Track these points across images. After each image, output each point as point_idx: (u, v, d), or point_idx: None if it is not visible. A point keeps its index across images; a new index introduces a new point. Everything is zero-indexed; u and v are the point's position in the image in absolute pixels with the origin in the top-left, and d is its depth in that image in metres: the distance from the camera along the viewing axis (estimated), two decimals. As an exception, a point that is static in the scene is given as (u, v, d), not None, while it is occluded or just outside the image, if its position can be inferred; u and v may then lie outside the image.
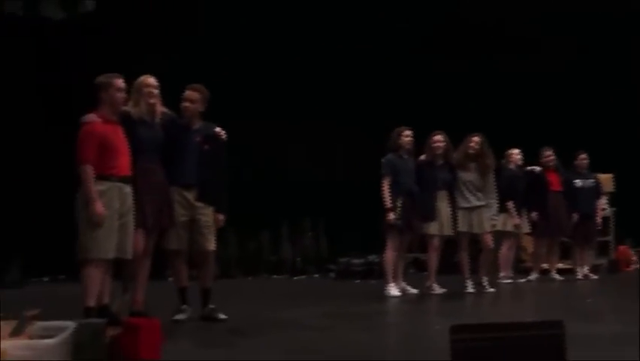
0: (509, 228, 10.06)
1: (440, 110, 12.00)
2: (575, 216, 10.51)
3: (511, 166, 10.14)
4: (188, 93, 6.06)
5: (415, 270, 11.53)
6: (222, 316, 5.93)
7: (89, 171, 5.15)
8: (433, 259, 8.56)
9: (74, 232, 5.24)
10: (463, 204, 8.54)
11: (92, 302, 5.11)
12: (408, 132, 8.30)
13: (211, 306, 6.00)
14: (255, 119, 12.10)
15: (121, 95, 5.40)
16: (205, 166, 5.90)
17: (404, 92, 12.97)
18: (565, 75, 13.33)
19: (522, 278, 10.31)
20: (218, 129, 5.99)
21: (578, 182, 10.71)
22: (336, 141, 12.92)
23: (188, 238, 5.96)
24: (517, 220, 10.05)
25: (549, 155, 10.48)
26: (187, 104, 6.04)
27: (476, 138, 8.64)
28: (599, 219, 10.89)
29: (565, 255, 11.17)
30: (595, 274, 10.77)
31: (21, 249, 10.72)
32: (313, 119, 12.64)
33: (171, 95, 6.04)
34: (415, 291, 8.41)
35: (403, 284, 8.46)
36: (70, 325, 3.22)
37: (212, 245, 6.02)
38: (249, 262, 12.92)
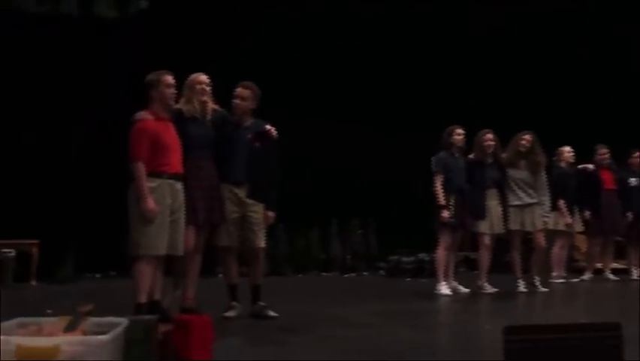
0: (561, 227, 9.95)
1: (488, 108, 11.87)
2: (630, 216, 10.33)
3: (562, 164, 9.99)
4: (239, 90, 6.07)
5: (465, 269, 11.41)
6: (272, 313, 5.93)
7: (141, 168, 5.18)
8: (484, 257, 8.50)
9: (126, 229, 5.28)
10: (515, 201, 8.47)
11: (143, 298, 5.14)
12: (460, 131, 8.30)
13: (261, 303, 6.00)
14: (308, 118, 12.11)
15: (170, 92, 5.42)
16: (256, 163, 5.91)
17: (452, 90, 12.85)
18: (620, 72, 13.07)
19: (575, 278, 10.18)
20: (268, 127, 5.99)
21: (633, 180, 10.51)
22: (386, 140, 12.86)
23: (239, 235, 5.97)
24: (568, 219, 9.90)
25: (604, 153, 10.31)
26: (238, 101, 6.05)
27: (527, 136, 8.58)
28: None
29: (619, 255, 10.97)
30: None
31: (74, 245, 10.89)
32: (363, 117, 12.62)
33: (221, 93, 6.06)
34: (466, 290, 8.34)
35: (454, 283, 8.40)
36: (123, 321, 3.23)
37: (262, 242, 6.03)
38: (298, 260, 12.94)
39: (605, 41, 12.81)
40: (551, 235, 10.00)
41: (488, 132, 8.45)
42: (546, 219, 8.71)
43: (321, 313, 6.33)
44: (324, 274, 12.76)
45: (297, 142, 12.23)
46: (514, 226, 8.46)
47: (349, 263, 13.09)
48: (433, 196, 8.14)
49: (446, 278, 8.26)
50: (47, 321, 3.17)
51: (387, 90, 12.95)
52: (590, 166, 10.22)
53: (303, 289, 9.90)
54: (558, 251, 10.10)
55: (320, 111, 12.44)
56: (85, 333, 3.07)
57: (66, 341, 2.79)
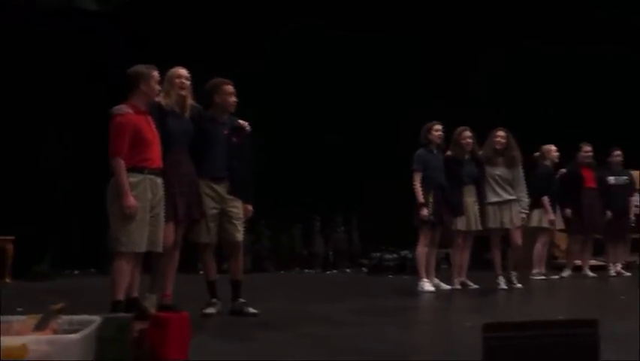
0: (544, 224, 9.97)
1: (469, 106, 11.85)
2: (609, 214, 10.37)
3: (547, 163, 10.00)
4: (232, 88, 5.95)
5: (447, 265, 11.38)
6: (252, 310, 5.85)
7: (122, 163, 5.06)
8: (456, 255, 8.49)
9: (106, 225, 5.18)
10: (494, 198, 8.44)
11: (120, 296, 5.04)
12: (438, 127, 8.25)
13: (241, 300, 5.92)
14: (291, 115, 12.05)
15: (158, 88, 5.33)
16: (234, 159, 5.85)
17: (434, 87, 12.81)
18: (600, 71, 13.10)
19: (555, 275, 10.17)
20: (241, 121, 5.93)
21: (612, 179, 10.59)
22: (368, 137, 12.82)
23: (218, 230, 5.88)
24: (551, 215, 9.90)
25: (588, 150, 10.36)
26: (234, 98, 5.94)
27: (501, 133, 8.54)
28: (632, 216, 10.72)
29: (598, 252, 10.99)
30: (628, 271, 10.59)
31: (52, 241, 10.73)
32: (348, 114, 12.57)
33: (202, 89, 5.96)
34: (448, 287, 8.30)
35: (436, 280, 8.35)
36: (96, 319, 3.13)
37: (241, 236, 5.94)
38: (281, 256, 12.86)
39: (587, 39, 12.82)
40: (533, 232, 9.99)
41: (466, 130, 8.43)
42: (524, 216, 8.67)
43: (302, 311, 6.26)
44: (307, 270, 12.70)
45: (281, 139, 12.25)
46: (493, 224, 8.43)
47: (332, 260, 13.04)
48: (412, 193, 8.08)
49: (428, 275, 8.21)
50: (17, 320, 3.06)
51: (369, 87, 12.89)
52: (563, 171, 10.26)
53: (284, 285, 9.82)
54: (540, 248, 10.10)
55: (305, 108, 12.39)
56: (55, 332, 2.97)
57: (34, 341, 2.69)
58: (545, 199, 9.79)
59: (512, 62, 13.12)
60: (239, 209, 5.91)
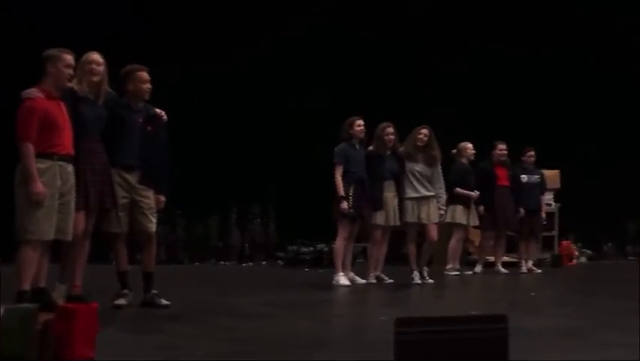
0: (459, 220, 10.08)
1: (389, 101, 11.98)
2: (522, 211, 10.59)
3: (463, 160, 10.18)
4: (146, 75, 5.81)
5: (364, 260, 11.46)
6: (164, 302, 5.75)
7: (30, 148, 4.91)
8: (373, 249, 8.55)
9: (12, 212, 5.00)
10: (412, 194, 8.50)
11: (26, 285, 4.88)
12: (360, 122, 8.30)
13: (153, 291, 5.81)
14: (208, 105, 11.92)
15: (68, 72, 5.16)
16: (148, 148, 5.71)
17: (357, 80, 12.91)
18: (514, 72, 13.43)
19: (468, 270, 10.33)
20: (159, 110, 5.81)
21: (525, 177, 10.79)
22: (287, 128, 12.80)
23: (129, 220, 5.76)
24: (473, 194, 10.01)
25: (502, 149, 10.55)
26: (149, 85, 5.80)
27: (424, 130, 8.61)
28: (543, 215, 10.98)
29: (510, 248, 11.23)
30: (539, 267, 10.84)
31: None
32: (266, 104, 12.52)
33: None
34: (363, 281, 8.34)
35: (352, 274, 8.39)
36: (-2, 310, 3.01)
37: (154, 227, 5.83)
38: (196, 248, 12.73)
39: (513, 40, 13.14)
40: (448, 228, 10.14)
41: (388, 126, 8.49)
42: (441, 212, 8.77)
43: (215, 303, 6.20)
44: (222, 262, 12.60)
45: (199, 127, 12.13)
46: (410, 218, 8.49)
47: (248, 252, 12.98)
48: (333, 187, 8.09)
49: (344, 269, 8.24)
50: None
51: (292, 77, 12.88)
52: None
53: (199, 277, 9.72)
54: (454, 244, 10.21)
55: (222, 99, 12.28)
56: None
57: None
58: (458, 190, 9.94)
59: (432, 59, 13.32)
60: (150, 199, 5.78)
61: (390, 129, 8.47)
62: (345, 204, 8.01)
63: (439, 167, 8.70)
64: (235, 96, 12.44)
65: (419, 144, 8.57)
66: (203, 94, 12.23)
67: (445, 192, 8.81)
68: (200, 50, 12.30)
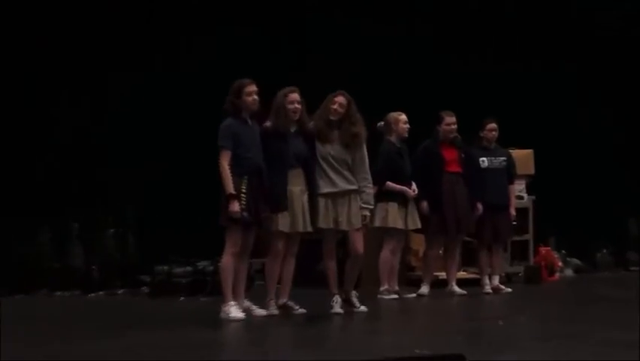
0: (392, 223, 10.15)
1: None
2: (480, 208, 10.65)
3: (393, 138, 10.22)
4: None
5: (264, 281, 11.50)
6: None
7: None
8: (271, 266, 8.55)
9: None
10: (326, 188, 8.49)
11: None
12: (253, 88, 8.19)
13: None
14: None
15: None
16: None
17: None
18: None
19: (410, 293, 10.42)
20: None
21: (484, 161, 10.90)
22: (157, 108, 12.86)
23: None
24: (411, 191, 10.13)
25: (451, 122, 10.58)
26: None
27: (340, 98, 8.57)
28: (513, 212, 11.09)
29: (468, 260, 11.42)
30: (508, 285, 11.08)
31: None
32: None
33: None
34: (263, 312, 8.38)
35: (247, 302, 8.41)
36: None
37: None
38: (21, 273, 12.53)
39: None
40: (379, 234, 10.23)
41: (293, 91, 8.41)
42: (367, 213, 8.77)
43: (41, 353, 6.14)
44: (60, 293, 12.44)
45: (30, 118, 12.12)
46: (325, 222, 8.50)
47: (96, 276, 12.84)
48: (218, 181, 8.08)
49: (236, 296, 8.23)
50: None
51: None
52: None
53: (23, 316, 9.56)
54: (387, 256, 10.27)
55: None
56: None
57: None
58: (389, 184, 9.98)
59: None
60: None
61: (295, 95, 8.40)
62: (235, 205, 7.99)
63: (364, 149, 8.69)
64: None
65: (332, 117, 8.57)
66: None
67: (371, 184, 8.81)
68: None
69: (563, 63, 14.54)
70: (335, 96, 8.59)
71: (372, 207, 8.96)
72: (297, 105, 8.37)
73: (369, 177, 8.72)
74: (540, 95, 14.39)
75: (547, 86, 14.45)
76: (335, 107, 8.54)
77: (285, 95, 8.40)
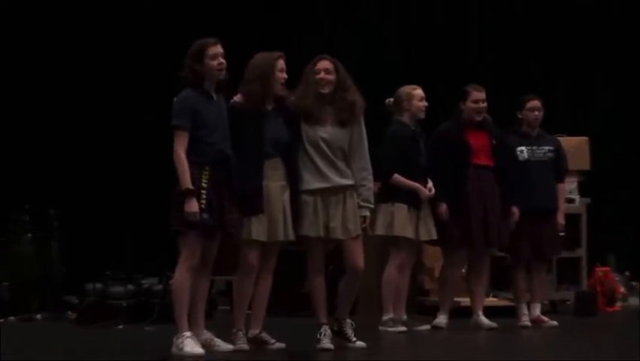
0: (399, 231, 10.13)
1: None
2: (517, 213, 10.63)
3: (405, 118, 10.23)
4: None
5: (229, 305, 11.54)
6: None
7: None
8: (240, 287, 8.52)
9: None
10: (315, 183, 8.49)
11: None
12: (218, 48, 8.17)
13: None
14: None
15: None
16: None
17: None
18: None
19: (423, 324, 10.45)
20: None
21: (524, 151, 10.87)
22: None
23: None
24: (425, 191, 10.10)
25: (480, 99, 10.51)
26: None
27: (324, 62, 8.56)
28: (561, 219, 11.06)
29: (500, 282, 11.44)
30: (553, 316, 11.08)
31: None
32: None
33: None
34: (229, 347, 8.36)
35: (208, 334, 8.42)
36: None
37: None
38: None
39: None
40: (384, 245, 10.25)
41: (280, 57, 8.40)
42: (367, 214, 8.76)
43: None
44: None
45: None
46: (312, 229, 8.50)
47: (6, 296, 12.88)
48: (170, 172, 8.09)
49: (193, 325, 8.23)
50: None
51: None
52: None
53: None
54: (392, 275, 10.25)
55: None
56: None
57: None
58: (396, 177, 9.95)
59: None
60: None
61: (281, 62, 8.41)
62: (192, 204, 8.00)
63: (362, 127, 8.67)
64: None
65: (323, 90, 8.56)
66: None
67: (371, 177, 8.80)
68: None
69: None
70: (316, 63, 8.57)
71: (372, 206, 8.89)
72: (279, 74, 8.37)
73: (369, 166, 8.67)
74: (599, 68, 14.38)
75: (608, 55, 14.45)
76: (321, 75, 8.51)
77: (258, 62, 8.41)
